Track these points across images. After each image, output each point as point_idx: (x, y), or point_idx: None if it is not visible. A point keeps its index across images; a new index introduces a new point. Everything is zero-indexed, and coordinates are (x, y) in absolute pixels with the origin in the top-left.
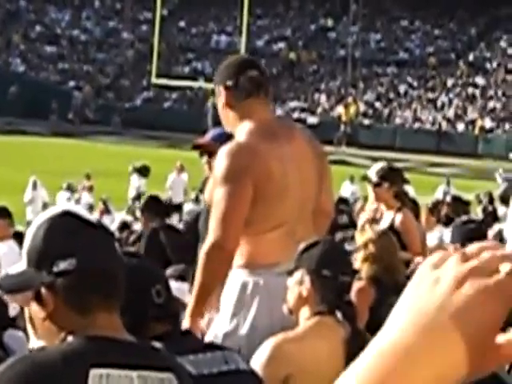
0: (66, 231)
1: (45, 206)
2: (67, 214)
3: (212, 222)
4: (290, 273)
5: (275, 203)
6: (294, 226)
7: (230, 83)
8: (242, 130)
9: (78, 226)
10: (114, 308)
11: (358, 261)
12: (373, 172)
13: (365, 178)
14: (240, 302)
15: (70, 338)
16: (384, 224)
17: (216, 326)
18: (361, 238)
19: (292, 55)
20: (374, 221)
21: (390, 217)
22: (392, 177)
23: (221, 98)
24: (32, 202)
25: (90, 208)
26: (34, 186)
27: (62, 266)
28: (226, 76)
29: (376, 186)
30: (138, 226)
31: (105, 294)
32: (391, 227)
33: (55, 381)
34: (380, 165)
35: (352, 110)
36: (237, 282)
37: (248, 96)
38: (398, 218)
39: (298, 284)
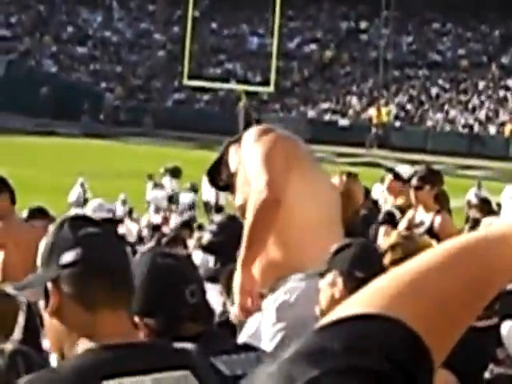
0: (73, 227)
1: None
2: (77, 217)
3: (253, 178)
4: (323, 274)
5: (313, 192)
6: (329, 229)
7: None
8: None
9: (85, 224)
10: (120, 305)
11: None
12: (405, 170)
13: (390, 170)
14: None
15: (80, 347)
16: (423, 227)
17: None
18: (386, 240)
19: (323, 57)
20: (414, 226)
21: (428, 219)
22: (433, 179)
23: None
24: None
25: None
26: (82, 188)
27: (68, 257)
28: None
29: (417, 188)
30: (167, 229)
31: (110, 289)
32: (430, 230)
33: None
34: (407, 167)
35: (384, 112)
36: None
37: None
38: (437, 220)
39: (330, 286)
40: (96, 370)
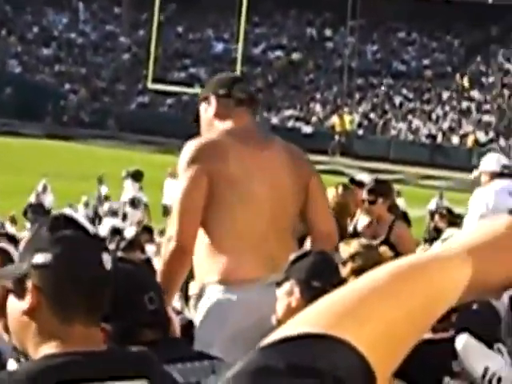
0: (52, 228)
1: (49, 211)
2: (64, 217)
3: (171, 217)
4: (280, 283)
5: (238, 209)
6: (263, 241)
7: (222, 92)
8: (215, 130)
9: (65, 227)
10: (94, 321)
11: (344, 274)
12: (366, 179)
13: (353, 182)
14: (214, 319)
15: (41, 351)
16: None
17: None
18: (346, 250)
19: (288, 64)
20: (375, 237)
21: (383, 230)
22: (384, 190)
23: (209, 109)
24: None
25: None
26: (44, 190)
27: (39, 258)
28: (218, 86)
29: (371, 203)
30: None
31: (88, 307)
32: (387, 240)
33: None
34: (365, 176)
35: (347, 120)
36: (212, 298)
37: (238, 105)
38: (394, 230)
39: (287, 295)
40: (50, 376)
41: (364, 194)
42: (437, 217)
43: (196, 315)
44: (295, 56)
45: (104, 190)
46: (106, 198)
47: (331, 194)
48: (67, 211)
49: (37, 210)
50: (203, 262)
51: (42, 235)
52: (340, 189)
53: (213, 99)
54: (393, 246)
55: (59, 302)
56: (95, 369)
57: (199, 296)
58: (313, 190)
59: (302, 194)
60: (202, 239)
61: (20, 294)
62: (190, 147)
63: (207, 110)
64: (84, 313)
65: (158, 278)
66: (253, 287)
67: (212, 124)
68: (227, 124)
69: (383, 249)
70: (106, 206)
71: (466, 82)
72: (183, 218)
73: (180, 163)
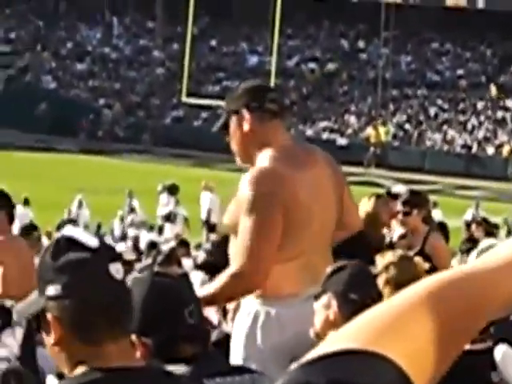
0: (55, 255)
1: (86, 226)
2: (64, 239)
3: (243, 250)
4: (317, 296)
5: (299, 232)
6: (311, 256)
7: (254, 105)
8: (264, 156)
9: (67, 249)
10: (121, 335)
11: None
12: (402, 190)
13: (389, 194)
14: (252, 332)
15: (77, 371)
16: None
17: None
18: (382, 261)
19: (322, 76)
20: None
21: (418, 241)
22: (418, 202)
23: (244, 124)
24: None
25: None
26: (80, 205)
27: (50, 291)
28: (249, 99)
29: (405, 214)
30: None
31: (108, 323)
32: (422, 251)
33: None
34: (402, 187)
35: (382, 131)
36: (250, 311)
37: (272, 118)
38: (429, 241)
39: (324, 308)
40: None
41: (399, 206)
42: (473, 226)
43: (234, 329)
44: (329, 68)
45: (135, 203)
46: (132, 210)
47: (364, 204)
48: (67, 230)
49: None
50: None
51: (48, 265)
52: (372, 199)
53: (246, 113)
54: (428, 257)
55: (82, 327)
56: None
57: (237, 309)
58: (346, 199)
59: (339, 204)
60: None
61: (46, 328)
62: (259, 179)
63: (241, 125)
64: (108, 329)
65: (211, 297)
66: (293, 301)
67: (249, 139)
68: (265, 140)
69: (417, 259)
70: (129, 219)
71: (493, 91)
72: (264, 258)
73: (250, 196)
